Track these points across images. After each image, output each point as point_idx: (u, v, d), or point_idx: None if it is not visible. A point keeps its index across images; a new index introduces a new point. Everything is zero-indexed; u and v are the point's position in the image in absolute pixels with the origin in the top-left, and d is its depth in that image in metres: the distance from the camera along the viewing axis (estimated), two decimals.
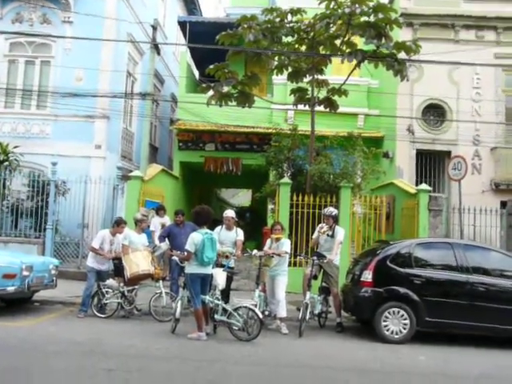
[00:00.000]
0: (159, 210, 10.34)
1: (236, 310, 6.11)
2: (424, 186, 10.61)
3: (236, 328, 6.06)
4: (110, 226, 7.74)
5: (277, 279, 6.98)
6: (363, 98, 14.89)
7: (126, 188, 10.46)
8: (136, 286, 7.36)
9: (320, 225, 7.73)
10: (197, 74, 19.06)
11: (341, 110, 13.83)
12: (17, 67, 13.33)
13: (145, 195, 10.69)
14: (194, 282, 5.94)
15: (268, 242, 7.32)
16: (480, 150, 13.11)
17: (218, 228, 7.50)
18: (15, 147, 11.44)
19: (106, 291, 7.27)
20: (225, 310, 6.17)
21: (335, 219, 7.62)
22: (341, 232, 7.51)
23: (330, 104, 11.11)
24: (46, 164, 11.64)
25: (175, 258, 6.62)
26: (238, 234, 7.41)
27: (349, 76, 10.39)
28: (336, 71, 13.57)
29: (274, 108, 15.45)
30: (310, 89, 10.83)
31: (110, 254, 7.38)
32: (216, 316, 6.23)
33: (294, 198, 10.27)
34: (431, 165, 13.34)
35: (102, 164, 12.62)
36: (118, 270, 7.43)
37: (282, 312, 6.87)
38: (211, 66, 10.01)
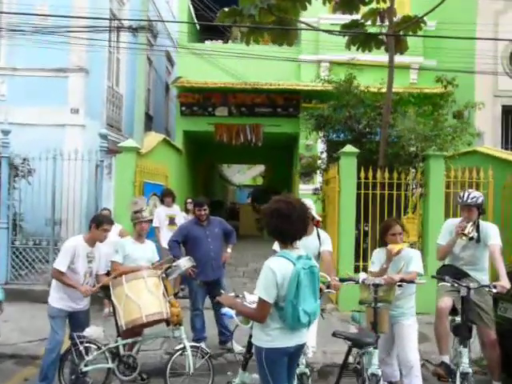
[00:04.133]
0: (166, 196, 7.08)
1: None
2: None
3: None
4: (89, 227, 4.38)
5: (402, 325, 3.79)
6: (418, 43, 11.48)
7: (115, 165, 7.10)
8: (139, 338, 4.16)
9: (455, 221, 4.49)
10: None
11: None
12: None
13: (142, 175, 7.36)
14: (274, 366, 2.65)
15: (376, 255, 4.08)
16: None
17: None
18: None
19: (86, 349, 4.05)
20: None
21: (481, 210, 4.39)
22: (494, 232, 4.30)
23: (397, 42, 7.77)
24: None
25: (229, 312, 3.23)
26: (324, 242, 4.19)
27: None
28: None
29: (302, 60, 12.05)
30: (367, 23, 7.48)
31: (87, 286, 4.09)
32: None
33: (362, 174, 7.04)
34: None
35: (80, 134, 9.20)
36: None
37: None
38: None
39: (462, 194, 4.40)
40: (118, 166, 7.01)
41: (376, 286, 3.62)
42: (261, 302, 2.57)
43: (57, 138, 8.61)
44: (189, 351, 4.00)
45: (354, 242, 7.03)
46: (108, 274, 4.35)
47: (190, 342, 4.19)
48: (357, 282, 3.69)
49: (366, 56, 11.13)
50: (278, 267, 2.57)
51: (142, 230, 4.49)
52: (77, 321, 4.16)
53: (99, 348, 4.05)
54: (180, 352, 4.04)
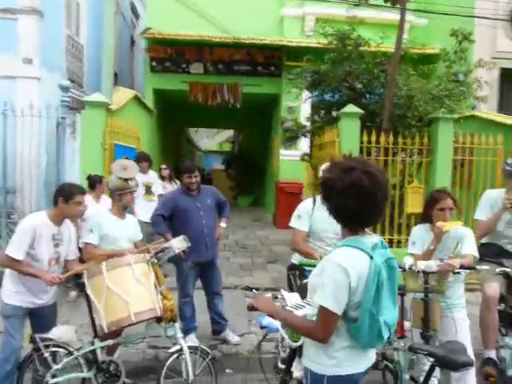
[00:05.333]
0: (141, 160, 6.06)
1: None
2: None
3: None
4: (53, 201, 3.35)
5: (451, 319, 3.10)
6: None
7: (81, 123, 5.97)
8: (121, 339, 3.29)
9: (497, 193, 3.82)
10: None
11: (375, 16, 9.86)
12: None
13: (112, 136, 6.27)
14: None
15: (417, 233, 3.33)
16: None
17: (307, 203, 3.51)
18: None
19: (54, 354, 3.15)
20: None
21: None
22: None
23: None
24: None
25: (273, 325, 2.18)
26: None
27: None
28: None
29: (286, 14, 10.98)
30: None
31: (53, 274, 3.14)
32: None
33: (364, 137, 6.27)
34: None
35: (35, 88, 7.83)
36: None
37: None
38: None
39: (510, 161, 3.73)
40: (83, 124, 5.89)
41: (427, 273, 2.89)
42: (326, 313, 1.75)
43: (6, 92, 7.27)
44: (187, 354, 3.18)
45: None
46: (82, 260, 3.42)
47: (185, 339, 3.35)
48: (403, 270, 2.93)
49: (355, 11, 10.34)
50: (350, 264, 1.74)
51: (130, 202, 3.57)
52: (40, 320, 3.24)
53: (70, 353, 3.16)
54: (176, 355, 3.22)
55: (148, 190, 6.10)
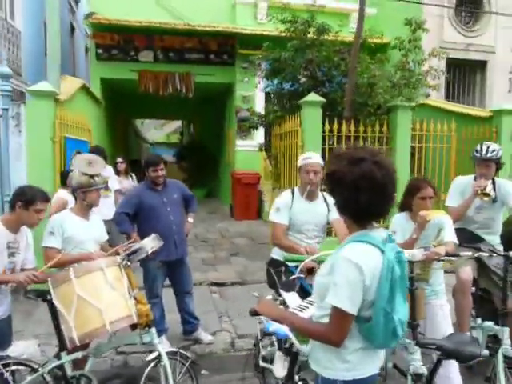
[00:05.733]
0: (97, 154, 5.65)
1: None
2: (505, 105, 7.22)
3: None
4: (9, 205, 2.97)
5: (433, 306, 3.10)
6: None
7: (26, 115, 5.45)
8: (90, 349, 3.01)
9: (466, 180, 3.88)
10: None
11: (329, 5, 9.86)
12: None
13: (62, 128, 5.80)
14: None
15: (397, 222, 3.29)
16: None
17: (286, 196, 3.36)
18: None
19: (14, 373, 2.82)
20: None
21: (499, 166, 3.80)
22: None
23: None
24: None
25: (281, 331, 1.93)
26: (333, 208, 3.33)
27: None
28: None
29: (238, 1, 10.73)
30: None
31: (26, 272, 2.80)
32: None
33: (326, 126, 6.24)
34: (462, 80, 10.01)
35: None
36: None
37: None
38: None
39: (479, 148, 3.78)
40: (29, 116, 5.37)
41: (412, 262, 2.86)
42: (340, 315, 1.62)
43: None
44: (166, 361, 2.97)
45: None
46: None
47: (162, 345, 3.13)
48: None
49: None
50: (363, 260, 1.63)
51: (95, 201, 3.26)
52: None
53: (34, 370, 2.84)
54: (154, 363, 2.99)
55: (105, 186, 5.70)
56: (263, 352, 3.47)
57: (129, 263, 2.95)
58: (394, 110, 6.51)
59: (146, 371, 2.97)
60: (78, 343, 2.62)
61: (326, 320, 1.70)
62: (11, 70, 8.17)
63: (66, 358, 2.92)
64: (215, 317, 5.01)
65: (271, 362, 3.45)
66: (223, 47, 10.57)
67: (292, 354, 2.31)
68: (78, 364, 3.05)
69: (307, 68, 6.55)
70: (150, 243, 3.19)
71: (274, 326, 1.74)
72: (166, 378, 2.95)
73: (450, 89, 10.05)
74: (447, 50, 9.44)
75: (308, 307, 1.92)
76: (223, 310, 5.20)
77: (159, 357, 2.99)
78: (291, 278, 2.70)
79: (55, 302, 2.70)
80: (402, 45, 6.73)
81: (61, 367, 2.91)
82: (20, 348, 2.85)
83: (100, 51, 10.15)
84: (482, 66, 9.86)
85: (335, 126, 6.21)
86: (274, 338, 3.13)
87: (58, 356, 2.94)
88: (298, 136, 6.26)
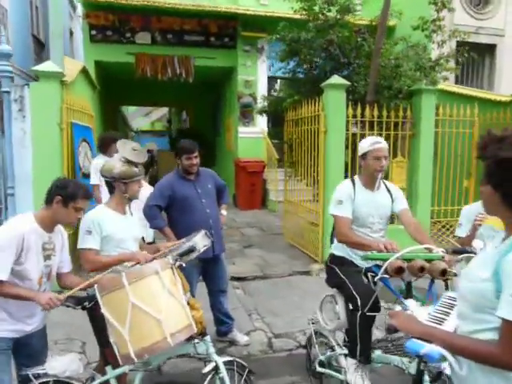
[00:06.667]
0: (110, 142, 5.21)
1: None
2: None
3: None
4: (46, 199, 2.53)
5: None
6: None
7: (30, 99, 4.94)
8: (138, 364, 2.64)
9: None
10: None
11: None
12: None
13: (70, 114, 5.32)
14: None
15: (467, 214, 2.98)
16: None
17: (347, 186, 3.00)
18: None
19: None
20: None
21: None
22: None
23: None
24: None
25: (435, 353, 1.49)
26: (398, 198, 3.02)
27: None
28: None
29: None
30: None
31: (48, 293, 2.39)
32: None
33: (350, 111, 5.91)
34: (471, 63, 9.77)
35: None
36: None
37: None
38: None
39: None
40: (35, 99, 4.86)
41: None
42: None
43: None
44: (224, 372, 2.63)
45: None
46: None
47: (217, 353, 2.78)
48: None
49: None
50: None
51: (136, 193, 2.87)
52: (28, 350, 2.50)
53: None
54: (211, 375, 2.65)
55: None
56: (321, 357, 3.18)
57: (183, 264, 2.59)
58: (418, 94, 6.21)
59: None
60: (135, 360, 2.25)
61: (478, 336, 1.40)
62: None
63: (112, 374, 2.56)
64: (244, 315, 4.68)
65: (329, 366, 3.17)
66: (225, 29, 10.09)
67: (418, 372, 1.96)
68: (124, 379, 2.69)
69: (327, 49, 6.18)
70: (201, 241, 2.83)
71: (426, 348, 1.41)
72: None
73: (461, 74, 9.82)
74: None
75: (446, 319, 1.61)
76: (251, 308, 4.88)
77: (216, 367, 2.65)
78: (376, 278, 2.38)
79: (104, 312, 2.32)
80: (425, 25, 6.39)
81: None
82: (61, 364, 2.46)
83: (94, 32, 9.55)
84: (491, 49, 9.65)
85: (358, 111, 5.88)
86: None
87: (102, 371, 2.59)
88: (321, 121, 5.91)
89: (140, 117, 26.55)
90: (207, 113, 13.47)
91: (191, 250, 2.69)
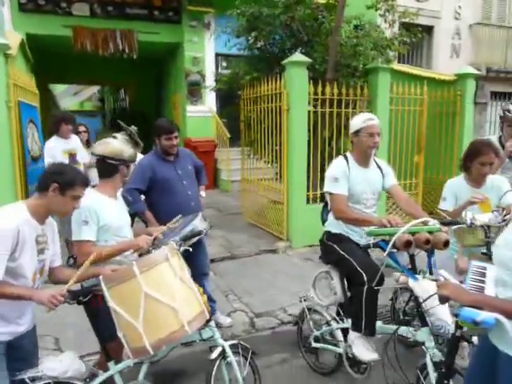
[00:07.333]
0: (64, 121, 4.87)
1: None
2: (469, 69, 7.44)
3: None
4: (38, 186, 2.22)
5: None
6: None
7: None
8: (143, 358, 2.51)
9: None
10: None
11: None
12: None
13: (17, 91, 4.81)
14: None
15: (450, 188, 3.14)
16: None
17: (340, 163, 3.00)
18: None
19: None
20: None
21: None
22: None
23: None
24: None
25: (489, 319, 1.45)
26: (388, 174, 3.09)
27: None
28: None
29: None
30: None
31: (50, 291, 2.11)
32: None
33: (310, 88, 5.93)
34: (411, 43, 10.16)
35: None
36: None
37: None
38: None
39: (510, 107, 3.75)
40: None
41: (488, 227, 2.75)
42: None
43: None
44: (231, 356, 2.59)
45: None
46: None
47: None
48: (470, 226, 2.73)
49: None
50: None
51: (126, 177, 2.68)
52: (20, 352, 2.26)
53: None
54: (219, 360, 2.59)
55: (73, 159, 4.91)
56: (316, 333, 3.23)
57: (190, 249, 2.48)
58: (374, 72, 6.38)
59: (214, 372, 2.56)
60: (151, 352, 2.13)
61: None
62: None
63: (115, 369, 2.42)
64: (221, 296, 4.63)
65: (324, 341, 3.24)
66: (169, 2, 9.63)
67: (455, 338, 2.02)
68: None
69: (289, 26, 6.11)
70: (201, 224, 2.73)
71: (482, 315, 1.45)
72: (233, 375, 2.58)
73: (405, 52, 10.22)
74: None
75: (484, 287, 1.68)
76: (226, 289, 4.83)
77: (224, 352, 2.60)
78: (385, 253, 2.43)
79: (112, 305, 2.15)
80: (379, 4, 6.52)
81: (111, 380, 2.40)
82: (61, 365, 2.26)
83: (24, 1, 8.68)
84: (429, 30, 10.11)
85: (319, 89, 5.92)
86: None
87: (104, 368, 2.43)
88: (283, 99, 5.88)
89: (68, 96, 24.87)
90: (149, 91, 12.91)
91: (194, 233, 2.59)
